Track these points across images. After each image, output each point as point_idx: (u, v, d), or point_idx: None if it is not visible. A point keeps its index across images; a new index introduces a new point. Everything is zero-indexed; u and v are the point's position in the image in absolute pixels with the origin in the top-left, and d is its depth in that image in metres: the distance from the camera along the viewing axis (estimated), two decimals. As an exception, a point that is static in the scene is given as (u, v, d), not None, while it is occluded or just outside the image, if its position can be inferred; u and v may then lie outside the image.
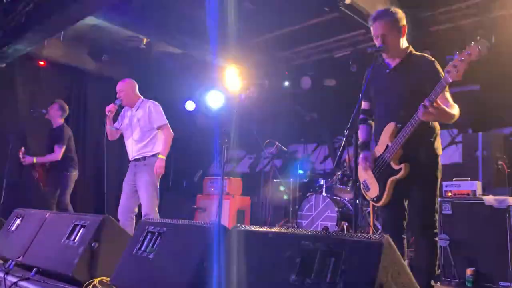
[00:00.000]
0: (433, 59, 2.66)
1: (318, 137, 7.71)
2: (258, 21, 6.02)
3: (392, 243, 1.58)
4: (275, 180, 6.86)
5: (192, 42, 6.43)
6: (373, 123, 2.94)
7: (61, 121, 5.55)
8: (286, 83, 6.78)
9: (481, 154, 4.72)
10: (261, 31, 6.53)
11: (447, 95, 2.52)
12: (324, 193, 5.60)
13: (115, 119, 4.27)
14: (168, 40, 6.46)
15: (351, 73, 6.26)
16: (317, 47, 6.79)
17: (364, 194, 2.90)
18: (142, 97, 4.28)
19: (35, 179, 5.42)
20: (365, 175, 2.85)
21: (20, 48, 5.28)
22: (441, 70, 2.56)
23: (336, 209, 5.23)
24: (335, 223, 5.19)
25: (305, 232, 1.78)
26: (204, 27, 6.21)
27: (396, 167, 2.60)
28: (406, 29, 2.74)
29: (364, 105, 2.92)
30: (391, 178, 2.63)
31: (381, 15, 2.70)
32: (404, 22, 2.72)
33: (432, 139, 2.63)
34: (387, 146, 2.65)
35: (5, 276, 2.80)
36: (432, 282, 2.55)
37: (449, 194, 4.25)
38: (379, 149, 2.74)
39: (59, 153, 5.29)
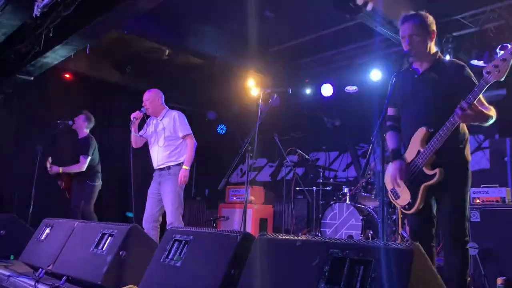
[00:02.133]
0: (463, 63, 2.63)
1: (340, 144, 7.66)
2: (278, 29, 6.05)
3: (423, 251, 1.55)
4: (297, 189, 6.83)
5: (213, 52, 6.51)
6: (400, 129, 2.88)
7: (87, 131, 5.67)
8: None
9: (509, 160, 4.61)
10: (282, 39, 6.56)
11: (481, 97, 2.47)
12: (348, 201, 5.54)
13: (140, 128, 4.34)
14: (190, 50, 6.55)
15: (373, 79, 6.23)
16: (338, 54, 6.78)
17: (394, 202, 2.83)
18: (167, 107, 4.35)
19: (61, 188, 5.54)
20: (393, 183, 2.79)
21: (48, 61, 5.43)
22: (472, 74, 2.55)
23: (361, 217, 5.17)
24: (359, 232, 5.12)
25: (333, 240, 1.77)
26: (225, 37, 6.29)
27: (429, 172, 2.54)
28: (435, 35, 2.71)
29: (390, 111, 2.88)
30: (425, 184, 2.57)
31: (411, 16, 2.69)
32: (434, 27, 2.70)
33: (462, 145, 2.59)
34: (419, 151, 2.60)
35: (36, 284, 2.86)
36: None
37: (477, 201, 4.15)
38: (409, 155, 2.69)
39: (84, 163, 5.40)
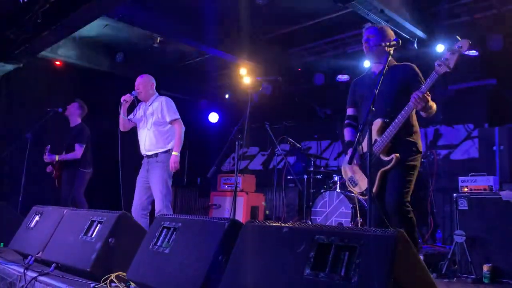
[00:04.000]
0: (412, 64, 2.99)
1: (331, 133, 7.68)
2: (270, 17, 6.01)
3: (407, 236, 1.57)
4: (288, 177, 6.86)
5: (204, 40, 6.46)
6: (357, 127, 3.18)
7: (79, 120, 5.63)
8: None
9: (497, 149, 4.65)
10: (274, 27, 6.52)
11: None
12: (338, 190, 5.58)
13: (129, 112, 4.33)
14: (181, 38, 6.49)
15: (365, 68, 6.22)
16: (330, 42, 6.76)
17: (352, 189, 3.08)
18: (157, 93, 4.35)
19: (52, 176, 5.51)
20: (350, 172, 3.03)
21: (37, 48, 5.36)
22: (420, 73, 2.91)
23: (351, 205, 5.21)
24: (349, 220, 5.17)
25: (319, 226, 1.79)
26: (217, 25, 6.24)
27: (386, 158, 2.78)
28: (391, 44, 2.90)
29: (349, 111, 3.23)
30: (381, 169, 2.80)
31: (372, 25, 3.14)
32: (391, 38, 3.01)
33: (414, 135, 2.88)
34: (375, 140, 2.82)
35: (25, 271, 2.87)
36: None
37: (465, 189, 4.20)
38: (365, 145, 2.85)
39: (80, 151, 5.38)
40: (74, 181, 5.43)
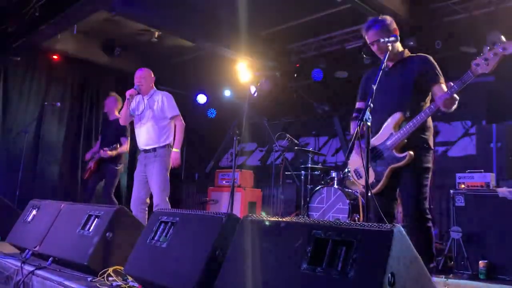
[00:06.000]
0: (427, 55, 2.82)
1: (329, 129, 7.69)
2: (269, 13, 6.00)
3: (404, 232, 1.58)
4: (286, 173, 6.86)
5: (203, 35, 6.44)
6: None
7: (117, 113, 5.37)
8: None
9: (495, 146, 4.67)
10: (273, 23, 6.51)
11: (443, 86, 2.65)
12: (335, 186, 5.58)
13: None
14: (180, 33, 6.47)
15: (363, 65, 6.22)
16: (329, 39, 6.75)
17: (355, 181, 2.98)
18: (155, 87, 4.33)
19: (90, 171, 5.35)
20: (358, 163, 2.92)
21: (35, 41, 5.34)
22: (436, 64, 2.73)
23: (348, 201, 5.22)
24: (346, 216, 5.18)
25: (316, 221, 1.79)
26: (215, 20, 6.22)
27: (399, 155, 2.67)
28: (398, 31, 2.84)
29: (359, 104, 3.08)
30: (392, 166, 2.69)
31: (372, 24, 2.88)
32: (394, 25, 2.87)
33: (428, 133, 2.74)
34: (391, 134, 2.71)
35: (22, 265, 2.86)
36: (431, 266, 2.63)
37: (462, 186, 4.22)
38: (379, 138, 2.79)
39: (126, 145, 5.25)
40: (104, 177, 5.27)
